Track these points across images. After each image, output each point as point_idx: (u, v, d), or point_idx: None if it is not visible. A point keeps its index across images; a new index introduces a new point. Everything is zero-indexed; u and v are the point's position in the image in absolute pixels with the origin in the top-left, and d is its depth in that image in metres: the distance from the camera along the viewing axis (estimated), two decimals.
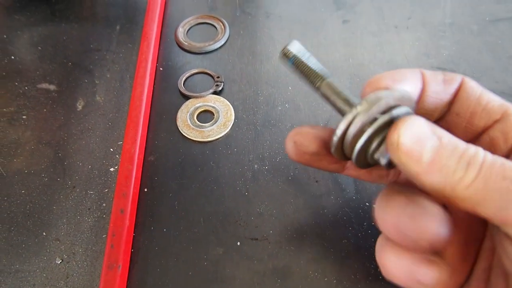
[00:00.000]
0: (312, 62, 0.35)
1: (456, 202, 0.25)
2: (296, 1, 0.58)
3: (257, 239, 0.40)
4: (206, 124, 0.48)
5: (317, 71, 0.34)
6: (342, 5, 0.57)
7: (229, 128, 0.47)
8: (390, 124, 0.28)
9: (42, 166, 0.46)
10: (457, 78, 0.31)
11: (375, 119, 0.28)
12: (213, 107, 0.49)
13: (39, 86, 0.52)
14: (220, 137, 0.47)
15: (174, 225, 0.41)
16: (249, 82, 0.51)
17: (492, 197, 0.24)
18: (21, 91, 0.52)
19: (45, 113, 0.50)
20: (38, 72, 0.54)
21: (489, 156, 0.24)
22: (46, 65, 0.54)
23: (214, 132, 0.47)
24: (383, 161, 0.29)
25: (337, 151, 0.31)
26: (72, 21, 0.59)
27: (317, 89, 0.34)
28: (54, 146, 0.47)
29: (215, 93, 0.50)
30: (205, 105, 0.49)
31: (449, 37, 0.53)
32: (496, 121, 0.29)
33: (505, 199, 0.23)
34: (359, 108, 0.28)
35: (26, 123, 0.49)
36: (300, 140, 0.33)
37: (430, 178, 0.25)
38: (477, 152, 0.25)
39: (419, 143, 0.25)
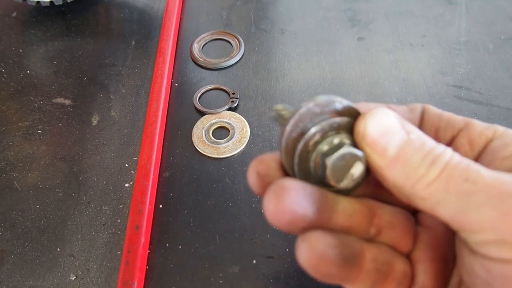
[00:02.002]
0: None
1: (416, 201, 0.25)
2: (310, 18, 0.59)
3: (273, 257, 0.40)
4: (222, 140, 0.48)
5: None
6: (357, 22, 0.57)
7: (245, 144, 0.47)
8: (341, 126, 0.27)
9: (57, 181, 0.46)
10: (418, 106, 0.31)
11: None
12: (228, 123, 0.49)
13: (55, 100, 0.53)
14: (236, 154, 0.47)
15: (190, 242, 0.41)
16: (264, 99, 0.51)
17: (451, 198, 0.23)
18: (36, 106, 0.52)
19: (60, 128, 0.50)
20: (53, 87, 0.54)
21: (456, 157, 0.24)
22: (61, 79, 0.55)
23: (229, 148, 0.47)
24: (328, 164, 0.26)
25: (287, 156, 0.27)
26: (87, 36, 0.59)
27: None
28: (69, 161, 0.47)
29: (230, 109, 0.50)
30: (220, 121, 0.49)
31: (465, 55, 0.53)
32: (460, 130, 0.29)
33: (464, 201, 0.23)
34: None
35: (41, 137, 0.49)
36: (263, 169, 0.28)
37: (393, 172, 0.25)
38: (445, 151, 0.24)
39: (385, 136, 0.25)
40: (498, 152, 0.27)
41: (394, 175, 0.25)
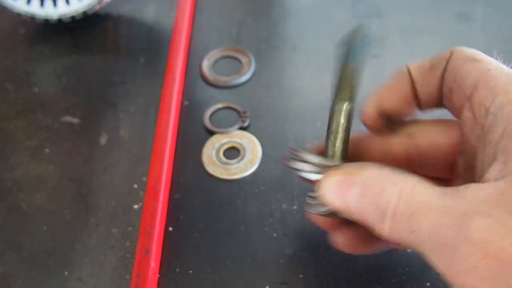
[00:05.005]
0: (357, 75, 0.34)
1: None
2: (323, 35, 0.58)
3: (286, 283, 0.39)
4: (233, 161, 0.47)
5: (352, 88, 0.33)
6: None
7: (256, 165, 0.46)
8: None
9: (65, 202, 0.45)
10: (443, 57, 0.30)
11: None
12: (239, 143, 0.48)
13: (62, 119, 0.52)
14: (247, 175, 0.46)
15: (200, 267, 0.40)
16: (276, 118, 0.50)
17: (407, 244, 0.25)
18: (44, 124, 0.51)
19: (68, 147, 0.49)
20: (61, 105, 0.53)
21: (402, 202, 0.25)
22: (69, 97, 0.54)
23: (240, 169, 0.46)
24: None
25: None
26: (96, 53, 0.59)
27: (334, 103, 0.33)
28: (77, 181, 0.47)
29: (241, 128, 0.49)
30: (231, 141, 0.48)
31: None
32: (468, 97, 0.28)
33: (416, 246, 0.24)
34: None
35: (49, 157, 0.49)
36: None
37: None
38: (389, 199, 0.25)
39: (342, 197, 0.28)
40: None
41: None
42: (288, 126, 0.49)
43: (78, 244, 0.42)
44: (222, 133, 0.49)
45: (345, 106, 0.33)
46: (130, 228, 0.43)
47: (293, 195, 0.44)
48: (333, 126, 0.33)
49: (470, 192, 0.23)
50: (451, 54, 0.30)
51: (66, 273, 0.41)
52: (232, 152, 0.48)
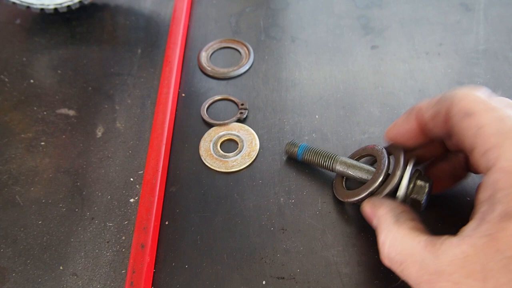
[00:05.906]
0: (317, 148, 0.43)
1: None
2: (322, 25, 0.57)
3: (283, 277, 0.38)
4: (230, 153, 0.46)
5: (326, 153, 0.42)
6: (370, 30, 0.55)
7: (254, 158, 0.45)
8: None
9: (60, 196, 0.45)
10: (443, 106, 0.34)
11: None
12: (237, 136, 0.47)
13: (58, 111, 0.51)
14: (244, 168, 0.45)
15: (196, 261, 0.40)
16: (274, 110, 0.49)
17: None
18: (39, 116, 0.51)
19: (64, 140, 0.49)
20: (57, 97, 0.53)
21: (392, 250, 0.32)
22: (65, 89, 0.53)
23: (238, 162, 0.45)
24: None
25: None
26: (92, 44, 0.58)
27: (333, 168, 0.41)
28: (73, 174, 0.46)
29: (239, 121, 0.48)
30: (229, 134, 0.47)
31: (483, 64, 0.51)
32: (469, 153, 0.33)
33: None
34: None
35: (44, 150, 0.48)
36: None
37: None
38: (383, 242, 0.33)
39: (370, 221, 0.37)
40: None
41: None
42: (286, 118, 0.48)
43: (73, 238, 0.42)
44: (219, 125, 0.48)
45: (338, 166, 0.41)
46: (125, 222, 0.43)
47: (290, 189, 0.43)
48: (356, 176, 0.40)
49: (443, 250, 0.28)
50: (451, 105, 0.32)
51: (61, 267, 0.40)
52: (230, 145, 0.47)
